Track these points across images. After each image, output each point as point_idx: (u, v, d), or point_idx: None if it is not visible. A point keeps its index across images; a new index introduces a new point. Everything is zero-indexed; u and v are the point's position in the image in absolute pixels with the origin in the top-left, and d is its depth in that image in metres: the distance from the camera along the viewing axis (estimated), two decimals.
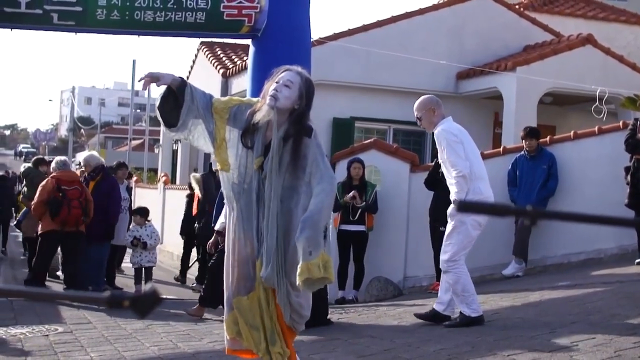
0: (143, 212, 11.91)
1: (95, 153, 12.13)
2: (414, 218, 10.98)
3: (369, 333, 6.94)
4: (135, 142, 45.47)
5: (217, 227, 9.15)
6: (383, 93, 15.49)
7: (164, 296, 9.50)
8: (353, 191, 10.47)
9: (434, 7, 16.14)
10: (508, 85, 14.84)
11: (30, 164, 15.06)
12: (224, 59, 19.43)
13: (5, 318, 8.07)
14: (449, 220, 6.80)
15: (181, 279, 14.13)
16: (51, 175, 10.66)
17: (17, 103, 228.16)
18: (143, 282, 11.41)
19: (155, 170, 31.10)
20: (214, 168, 9.10)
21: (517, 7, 17.39)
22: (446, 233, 6.82)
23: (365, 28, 15.51)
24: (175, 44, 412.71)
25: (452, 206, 6.72)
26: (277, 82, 4.50)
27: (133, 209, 12.86)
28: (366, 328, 7.33)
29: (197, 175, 13.34)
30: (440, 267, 6.99)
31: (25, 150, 76.45)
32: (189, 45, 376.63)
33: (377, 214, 10.81)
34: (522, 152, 10.58)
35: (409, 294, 10.68)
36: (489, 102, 16.07)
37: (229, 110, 4.56)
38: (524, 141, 10.57)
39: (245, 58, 16.26)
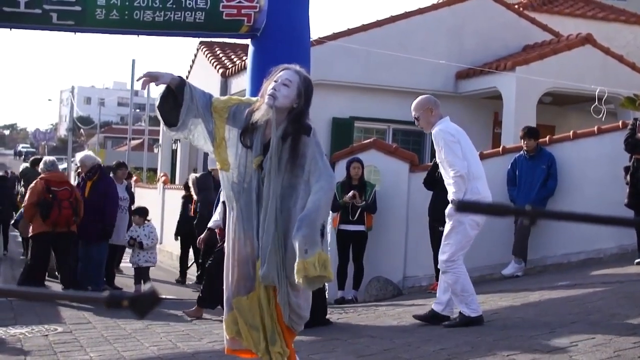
0: (142, 212, 11.91)
1: (91, 153, 12.11)
2: (413, 218, 10.98)
3: (368, 333, 6.93)
4: (134, 142, 45.46)
5: (210, 224, 9.16)
6: (382, 93, 15.49)
7: (163, 296, 9.51)
8: (353, 191, 10.47)
9: (434, 7, 16.14)
10: (507, 85, 14.84)
11: (28, 164, 15.07)
12: (223, 58, 19.43)
13: (5, 318, 8.07)
14: (447, 220, 6.80)
15: (181, 279, 14.13)
16: (40, 177, 10.61)
17: (16, 103, 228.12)
18: (142, 282, 11.41)
19: (154, 170, 31.09)
20: (209, 167, 9.10)
21: (516, 6, 17.38)
22: (444, 233, 6.82)
23: (364, 28, 15.51)
24: (174, 44, 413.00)
25: (450, 206, 6.71)
26: (275, 81, 4.50)
27: (133, 208, 12.85)
28: (366, 328, 7.33)
29: (193, 176, 13.34)
30: (438, 267, 6.98)
31: (25, 150, 76.41)
32: (189, 45, 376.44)
33: (376, 214, 10.80)
34: (522, 152, 10.57)
35: (409, 294, 10.67)
36: (488, 102, 16.06)
37: (228, 109, 4.56)
38: (522, 141, 10.57)
39: (244, 58, 16.26)
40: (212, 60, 19.37)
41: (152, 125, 40.90)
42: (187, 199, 14.08)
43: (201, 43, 20.52)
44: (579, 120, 15.50)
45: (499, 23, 16.10)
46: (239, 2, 8.62)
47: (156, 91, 4.68)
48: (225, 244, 4.68)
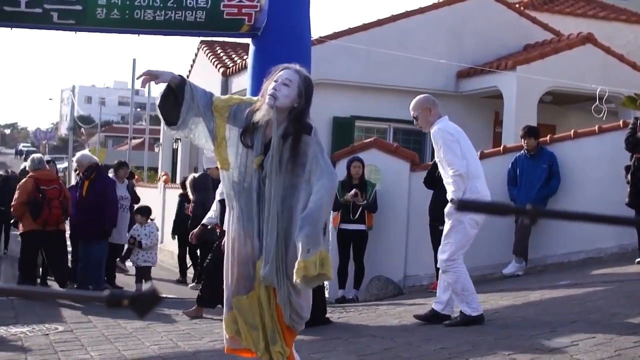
0: (144, 211, 11.91)
1: (87, 152, 12.12)
2: (414, 217, 10.97)
3: (369, 332, 6.93)
4: (135, 141, 45.48)
5: (204, 220, 9.17)
6: (383, 92, 15.49)
7: (164, 295, 9.51)
8: (354, 189, 10.47)
9: (434, 6, 16.13)
10: (508, 85, 14.84)
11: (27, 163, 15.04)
12: (224, 57, 19.43)
13: (6, 317, 8.08)
14: (446, 219, 6.80)
15: (182, 279, 14.14)
16: (29, 175, 10.56)
17: (17, 102, 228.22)
18: (143, 281, 11.41)
19: (155, 169, 31.10)
20: (204, 167, 9.10)
21: (517, 6, 17.38)
22: (444, 232, 6.82)
23: (365, 27, 15.51)
24: (175, 43, 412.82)
25: (449, 205, 6.72)
26: (275, 81, 4.48)
27: (135, 207, 12.85)
28: (366, 327, 7.33)
29: (191, 176, 13.35)
30: (438, 266, 6.99)
31: (26, 149, 76.35)
32: (189, 44, 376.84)
33: (377, 213, 10.80)
34: (522, 152, 10.57)
35: (409, 293, 10.67)
36: (489, 101, 16.06)
37: (229, 108, 4.55)
38: (523, 140, 10.57)
39: (245, 57, 16.26)
40: (213, 60, 19.36)
41: (152, 125, 40.89)
42: (183, 197, 14.11)
43: (202, 42, 20.51)
44: (579, 119, 15.49)
45: (499, 22, 16.10)
46: (240, 1, 8.62)
47: (157, 90, 4.69)
48: (225, 243, 4.68)
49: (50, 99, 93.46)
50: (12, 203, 10.51)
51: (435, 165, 9.22)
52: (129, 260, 12.53)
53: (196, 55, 21.44)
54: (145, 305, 1.87)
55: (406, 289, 10.92)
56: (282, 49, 8.13)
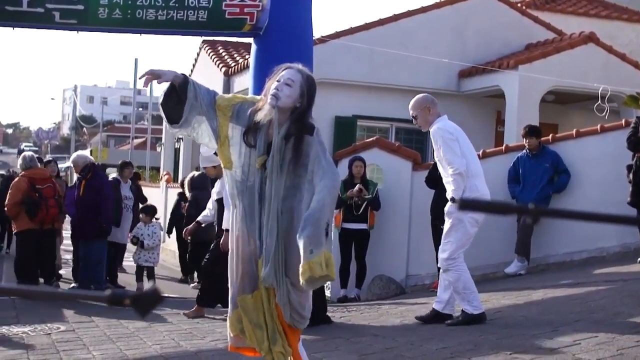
0: (149, 210, 11.91)
1: (82, 152, 12.13)
2: (416, 216, 10.97)
3: (371, 332, 6.93)
4: (137, 141, 45.46)
5: (199, 218, 9.17)
6: (385, 91, 15.48)
7: (166, 295, 9.52)
8: (358, 185, 10.49)
9: (436, 6, 16.12)
10: (510, 84, 14.83)
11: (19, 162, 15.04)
12: (226, 57, 19.42)
13: (8, 317, 8.08)
14: (446, 218, 6.82)
15: (184, 277, 14.15)
16: (22, 175, 10.52)
17: (19, 101, 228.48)
18: (146, 281, 11.41)
19: (157, 169, 31.08)
20: (201, 167, 9.11)
21: (519, 5, 17.37)
22: (444, 231, 6.84)
23: (367, 26, 15.51)
24: (177, 43, 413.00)
25: (449, 204, 6.75)
26: (278, 81, 4.47)
27: (141, 206, 12.86)
28: (368, 327, 7.33)
29: (190, 175, 13.36)
30: (439, 265, 6.99)
31: (28, 148, 76.30)
32: (191, 43, 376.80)
33: (379, 212, 10.81)
34: (524, 151, 10.56)
35: (411, 292, 10.68)
36: (491, 100, 16.05)
37: (232, 107, 4.54)
38: (524, 140, 10.57)
39: (247, 56, 16.25)
40: (215, 59, 19.36)
41: (154, 124, 40.90)
42: (181, 196, 14.15)
43: (204, 42, 20.51)
44: (581, 118, 15.49)
45: (501, 22, 16.09)
46: (242, 1, 8.61)
47: (159, 90, 4.68)
48: (222, 242, 4.68)
49: (52, 99, 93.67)
50: (6, 202, 10.46)
51: (436, 165, 9.24)
52: (130, 259, 12.56)
53: (198, 54, 21.44)
54: (146, 304, 1.87)
55: (408, 288, 10.92)
56: (284, 48, 8.12)
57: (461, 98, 15.76)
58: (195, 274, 13.26)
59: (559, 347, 5.33)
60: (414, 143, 15.58)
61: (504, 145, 11.65)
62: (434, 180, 9.64)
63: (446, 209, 6.82)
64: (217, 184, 8.56)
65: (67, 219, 11.91)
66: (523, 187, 10.43)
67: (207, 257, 8.56)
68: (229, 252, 4.64)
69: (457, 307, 6.90)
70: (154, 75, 4.50)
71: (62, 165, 20.56)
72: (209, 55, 20.01)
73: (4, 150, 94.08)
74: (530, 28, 16.37)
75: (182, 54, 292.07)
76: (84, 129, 73.33)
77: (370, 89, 15.53)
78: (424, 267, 10.84)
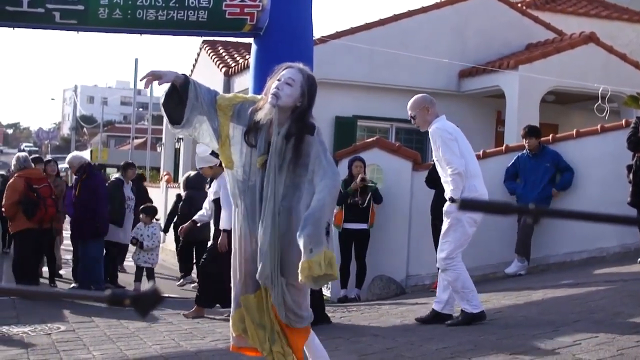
0: (150, 211, 11.90)
1: (78, 153, 12.16)
2: (416, 216, 10.98)
3: (371, 332, 6.93)
4: (137, 141, 45.48)
5: (195, 217, 9.17)
6: (385, 91, 15.47)
7: (166, 295, 9.52)
8: (360, 175, 10.51)
9: (437, 6, 16.12)
10: (510, 84, 14.82)
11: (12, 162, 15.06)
12: (226, 57, 19.42)
13: (8, 317, 8.09)
14: (444, 218, 6.83)
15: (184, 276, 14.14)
16: (18, 175, 10.49)
17: (19, 102, 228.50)
18: (146, 281, 11.41)
19: (157, 169, 31.10)
20: (197, 167, 9.11)
21: (519, 5, 17.37)
22: (442, 231, 6.85)
23: (367, 26, 15.50)
24: (177, 43, 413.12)
25: (447, 204, 6.77)
26: (279, 80, 4.46)
27: (141, 207, 12.86)
28: (368, 327, 7.33)
29: (185, 175, 13.36)
30: (437, 265, 7.00)
31: (28, 149, 76.40)
32: (191, 43, 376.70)
33: (379, 213, 10.81)
34: (524, 151, 10.57)
35: (412, 292, 10.68)
36: (491, 100, 16.05)
37: (232, 107, 4.54)
38: (524, 140, 10.57)
39: (247, 56, 16.25)
40: (215, 59, 19.36)
41: (155, 124, 40.93)
42: (179, 196, 14.17)
43: (204, 42, 20.50)
44: (582, 118, 15.48)
45: (502, 22, 16.09)
46: (242, 1, 8.61)
47: (159, 90, 4.65)
48: (232, 242, 4.67)
49: (52, 99, 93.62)
50: (3, 203, 10.44)
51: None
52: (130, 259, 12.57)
53: (198, 54, 21.44)
54: (146, 304, 1.87)
55: (408, 288, 10.92)
56: (284, 48, 8.12)
57: (461, 98, 15.76)
58: (183, 274, 13.32)
59: (559, 347, 5.33)
60: (414, 143, 15.57)
61: (504, 146, 11.65)
62: (434, 181, 9.63)
63: (444, 208, 6.84)
64: (214, 184, 8.56)
65: (68, 219, 11.93)
66: (524, 187, 10.43)
67: (204, 257, 8.56)
68: (232, 252, 4.64)
69: (456, 307, 6.90)
70: (154, 77, 4.50)
71: (62, 166, 20.53)
72: (209, 55, 20.01)
73: (5, 150, 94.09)
74: (530, 28, 16.36)
75: (183, 54, 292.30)
76: (84, 129, 73.35)
77: (370, 89, 15.53)
78: (424, 267, 10.84)
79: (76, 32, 8.90)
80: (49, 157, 18.68)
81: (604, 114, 12.75)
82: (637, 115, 9.96)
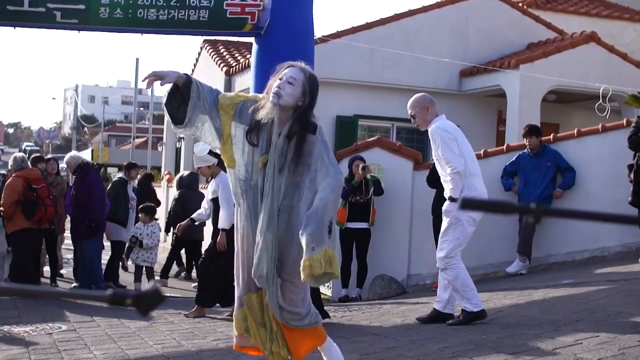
0: (149, 210, 11.89)
1: (75, 153, 12.17)
2: (417, 216, 10.97)
3: (372, 331, 6.93)
4: (138, 140, 45.48)
5: (193, 215, 9.18)
6: (386, 91, 15.48)
7: (167, 294, 9.52)
8: (362, 164, 10.52)
9: (438, 5, 16.11)
10: (511, 83, 14.82)
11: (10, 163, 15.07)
12: (227, 56, 19.42)
13: (9, 316, 8.09)
14: (444, 217, 6.84)
15: (187, 275, 14.17)
16: (16, 175, 10.48)
17: (20, 101, 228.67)
18: (147, 281, 11.42)
19: (158, 169, 31.10)
20: (195, 166, 9.12)
21: (520, 5, 17.36)
22: (441, 230, 6.86)
23: (368, 26, 15.50)
24: (178, 42, 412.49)
25: (447, 203, 6.78)
26: (280, 79, 4.46)
27: (140, 206, 12.87)
28: (369, 326, 7.33)
29: (179, 175, 13.36)
30: (437, 265, 7.00)
31: (29, 148, 76.39)
32: (192, 43, 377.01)
33: (380, 212, 10.81)
34: (525, 150, 10.57)
35: (413, 292, 10.67)
36: (492, 99, 16.05)
37: (234, 106, 4.54)
38: (525, 139, 10.57)
39: (248, 56, 16.25)
40: (216, 59, 19.36)
41: (156, 124, 40.94)
42: None
43: (205, 41, 20.51)
44: (583, 118, 15.48)
45: (503, 21, 16.09)
46: (243, 0, 8.61)
47: (160, 89, 4.64)
48: (235, 241, 4.66)
49: (53, 98, 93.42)
50: (1, 202, 10.43)
51: None
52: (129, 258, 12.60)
53: (199, 54, 21.44)
54: (148, 304, 1.87)
55: (409, 288, 10.92)
56: (285, 47, 8.13)
57: (463, 97, 15.76)
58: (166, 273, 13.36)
59: (560, 346, 5.33)
60: (415, 143, 15.57)
61: (505, 145, 11.65)
62: (435, 180, 9.62)
63: (444, 207, 6.84)
64: (212, 184, 8.56)
65: (69, 218, 11.93)
66: (526, 186, 10.43)
67: (203, 256, 8.56)
68: (234, 252, 4.63)
69: (457, 307, 6.90)
70: (157, 77, 4.49)
71: (63, 165, 20.52)
72: (210, 54, 20.01)
73: (6, 149, 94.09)
74: (531, 27, 16.36)
75: (184, 53, 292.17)
76: (85, 128, 73.34)
77: (371, 88, 15.52)
78: (425, 266, 10.84)
79: (77, 31, 8.91)
80: (49, 156, 18.68)
81: (605, 113, 12.75)
82: (638, 115, 9.95)
